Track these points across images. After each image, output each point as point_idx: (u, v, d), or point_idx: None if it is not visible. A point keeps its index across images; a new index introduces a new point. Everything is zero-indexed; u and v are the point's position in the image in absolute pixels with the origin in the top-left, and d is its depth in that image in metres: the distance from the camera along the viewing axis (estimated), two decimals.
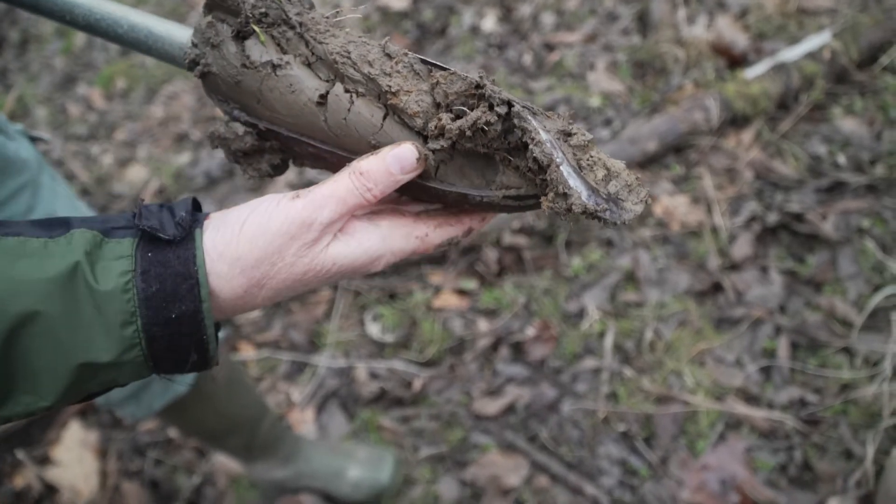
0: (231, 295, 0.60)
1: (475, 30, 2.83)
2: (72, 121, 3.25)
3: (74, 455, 1.96)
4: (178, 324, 0.57)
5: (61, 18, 0.73)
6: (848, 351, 1.74)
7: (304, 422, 1.93)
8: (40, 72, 3.61)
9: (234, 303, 0.61)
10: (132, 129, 3.04)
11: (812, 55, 2.32)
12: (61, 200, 1.19)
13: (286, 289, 0.63)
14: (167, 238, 0.58)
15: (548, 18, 2.79)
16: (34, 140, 1.18)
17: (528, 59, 2.67)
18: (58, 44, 3.68)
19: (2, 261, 0.53)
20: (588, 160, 0.63)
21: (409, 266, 2.15)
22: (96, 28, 0.72)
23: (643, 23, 2.66)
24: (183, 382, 1.41)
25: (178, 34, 0.70)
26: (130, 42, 0.72)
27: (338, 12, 0.71)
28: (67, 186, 1.26)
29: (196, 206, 0.64)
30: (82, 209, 1.26)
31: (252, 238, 0.60)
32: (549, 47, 2.71)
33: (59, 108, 3.34)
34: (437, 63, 0.67)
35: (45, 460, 1.96)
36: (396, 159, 0.62)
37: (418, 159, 0.63)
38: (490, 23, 2.84)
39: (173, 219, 0.60)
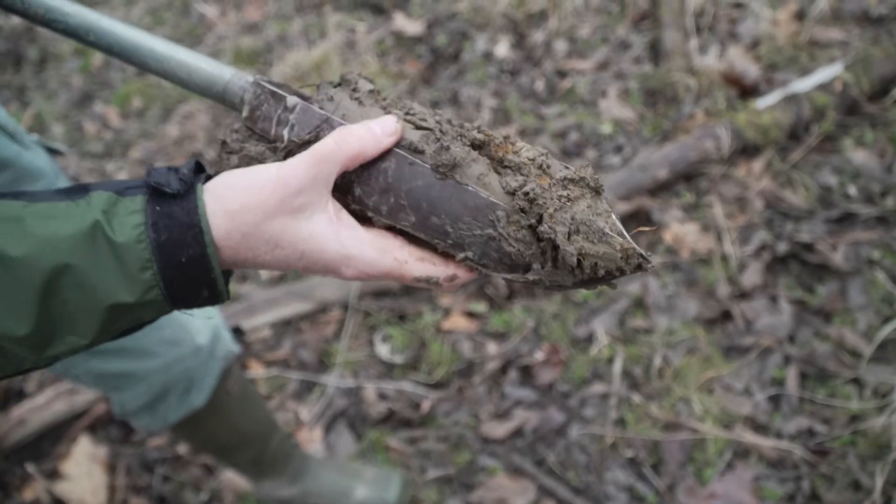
0: (224, 238, 0.66)
1: (488, 55, 2.87)
2: (87, 138, 3.29)
3: (83, 469, 1.97)
4: (188, 266, 0.64)
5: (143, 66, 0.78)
6: (857, 382, 1.74)
7: (312, 441, 1.93)
8: (58, 90, 3.66)
9: (229, 245, 0.66)
10: (147, 147, 3.08)
11: (823, 86, 2.34)
12: None
13: (268, 248, 0.67)
14: (172, 192, 0.64)
15: (560, 45, 2.83)
16: (51, 151, 1.22)
17: (540, 85, 2.70)
18: (76, 62, 3.74)
19: (34, 223, 0.61)
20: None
21: (418, 289, 2.17)
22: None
23: (655, 51, 2.70)
24: (199, 397, 1.43)
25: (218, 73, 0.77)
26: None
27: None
28: None
29: (199, 167, 0.70)
30: None
31: (243, 187, 0.66)
32: (562, 74, 2.74)
33: (75, 126, 3.38)
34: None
35: (54, 474, 1.97)
36: (379, 123, 0.69)
37: (398, 121, 0.70)
38: (503, 49, 2.88)
39: (178, 176, 0.66)
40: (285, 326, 2.20)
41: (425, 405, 1.92)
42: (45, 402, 2.00)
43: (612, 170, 2.30)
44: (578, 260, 0.64)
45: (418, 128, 0.71)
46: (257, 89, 0.75)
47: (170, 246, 0.63)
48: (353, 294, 2.15)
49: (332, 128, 0.70)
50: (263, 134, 0.74)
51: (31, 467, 1.96)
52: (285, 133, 0.72)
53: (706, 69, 2.50)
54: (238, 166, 0.75)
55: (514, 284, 1.90)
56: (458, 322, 2.07)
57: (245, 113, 0.75)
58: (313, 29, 3.33)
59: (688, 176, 2.26)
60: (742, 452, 1.70)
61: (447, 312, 2.10)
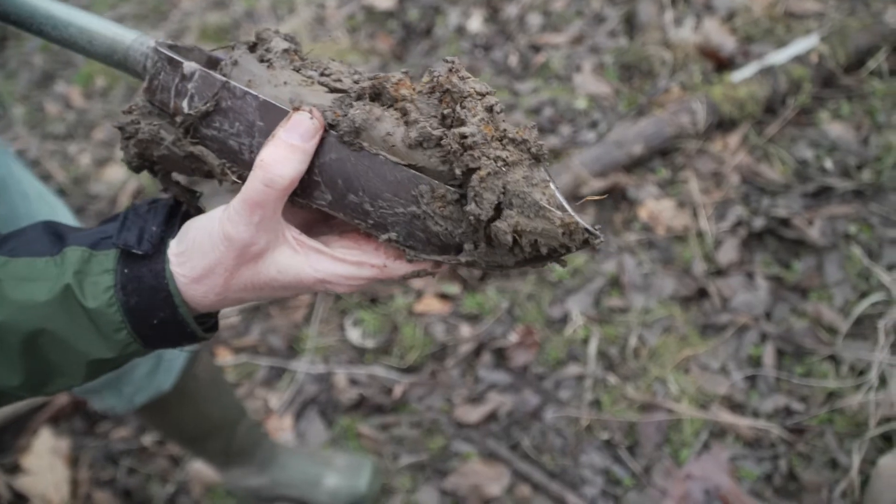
0: (199, 299, 0.64)
1: (461, 30, 2.80)
2: (49, 119, 3.19)
3: (45, 463, 1.91)
4: (161, 326, 0.64)
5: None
6: (834, 359, 1.71)
7: (282, 429, 1.88)
8: (18, 69, 3.55)
9: (205, 305, 0.65)
10: (111, 128, 2.99)
11: (799, 59, 2.30)
12: (14, 169, 1.17)
13: (247, 293, 0.65)
14: (141, 253, 0.63)
15: (534, 19, 2.76)
16: None
17: (514, 60, 2.64)
18: (37, 41, 3.62)
19: (10, 287, 0.62)
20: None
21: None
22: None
23: (630, 25, 2.64)
24: (166, 380, 1.38)
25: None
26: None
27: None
28: (20, 161, 1.23)
29: (173, 212, 0.67)
30: (35, 181, 1.24)
31: (200, 250, 0.63)
32: (536, 48, 2.68)
33: (36, 107, 3.28)
34: None
35: (14, 468, 1.91)
36: (292, 130, 0.59)
37: (312, 118, 0.59)
38: (476, 23, 2.81)
39: (147, 234, 0.64)
40: (254, 312, 2.14)
41: (397, 390, 1.88)
42: None
43: (587, 146, 2.25)
44: (514, 238, 0.57)
45: (332, 90, 0.63)
46: (155, 56, 0.66)
47: (140, 309, 0.63)
48: None
49: (233, 94, 0.62)
50: (163, 107, 0.66)
51: None
52: (184, 104, 0.63)
53: (682, 42, 2.45)
54: (138, 153, 0.68)
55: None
56: (430, 304, 2.02)
57: (144, 83, 0.67)
58: (282, 4, 3.24)
59: (663, 151, 2.22)
60: (719, 432, 1.67)
61: (419, 295, 2.05)
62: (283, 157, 0.58)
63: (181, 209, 0.69)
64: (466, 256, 0.60)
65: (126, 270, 0.63)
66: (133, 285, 0.62)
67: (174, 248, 0.64)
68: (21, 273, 0.62)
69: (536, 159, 0.59)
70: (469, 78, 0.59)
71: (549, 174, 0.59)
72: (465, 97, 0.58)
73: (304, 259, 0.63)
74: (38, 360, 0.63)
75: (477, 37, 2.77)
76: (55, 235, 0.65)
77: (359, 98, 0.61)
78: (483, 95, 0.59)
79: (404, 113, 0.60)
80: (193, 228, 0.63)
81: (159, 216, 0.65)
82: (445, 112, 0.59)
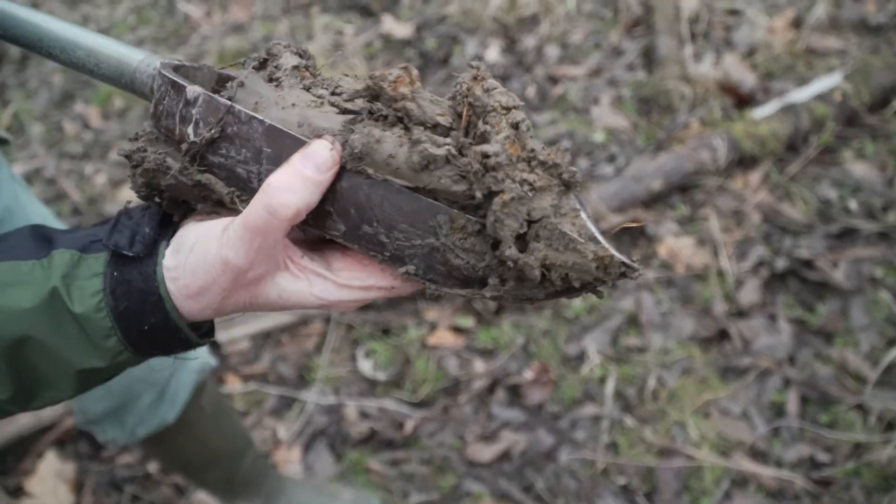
0: (195, 315, 0.61)
1: (478, 60, 2.79)
2: (67, 139, 3.20)
3: (49, 487, 1.88)
4: (152, 332, 0.60)
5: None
6: (861, 408, 1.66)
7: (289, 461, 1.84)
8: (38, 88, 3.56)
9: (197, 315, 0.61)
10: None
11: (822, 97, 2.28)
12: (21, 198, 1.16)
13: (245, 309, 0.62)
14: (132, 255, 0.60)
15: (552, 51, 2.75)
16: None
17: (531, 91, 2.63)
18: None
19: None
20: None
21: (403, 300, 2.08)
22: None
23: (649, 58, 2.63)
24: (171, 411, 1.35)
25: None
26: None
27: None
28: (29, 190, 1.21)
29: (168, 215, 0.64)
30: (43, 209, 1.22)
31: (194, 269, 0.59)
32: (553, 80, 2.66)
33: (54, 126, 3.29)
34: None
35: (18, 491, 1.88)
36: (308, 159, 0.55)
37: (332, 149, 0.55)
38: (493, 53, 2.80)
39: (140, 235, 0.61)
40: (265, 339, 2.11)
41: (409, 425, 1.84)
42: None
43: (605, 180, 2.22)
44: (543, 272, 0.53)
45: (343, 111, 0.58)
46: (160, 79, 0.62)
47: (130, 314, 0.59)
48: None
49: (238, 119, 0.58)
50: (168, 134, 0.62)
51: None
52: (189, 131, 0.60)
53: (701, 77, 2.43)
54: (146, 182, 0.64)
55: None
56: (444, 337, 1.98)
57: (150, 108, 0.63)
58: (300, 31, 3.24)
59: (683, 187, 2.19)
60: (740, 481, 1.62)
61: (433, 327, 2.01)
62: (291, 185, 0.54)
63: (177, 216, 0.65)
64: (492, 291, 0.56)
65: (115, 273, 0.59)
66: (122, 289, 0.59)
67: (168, 259, 0.60)
68: (5, 277, 0.59)
69: (567, 186, 0.53)
70: (495, 89, 0.54)
71: (580, 203, 0.54)
72: (489, 112, 0.53)
73: (305, 285, 0.59)
74: (24, 370, 0.60)
75: (494, 67, 2.76)
76: (43, 239, 0.62)
77: (370, 113, 0.56)
78: (509, 110, 0.53)
79: (406, 126, 0.55)
80: (188, 243, 0.59)
81: (153, 219, 0.62)
82: (463, 119, 0.55)
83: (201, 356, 1.42)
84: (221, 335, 2.06)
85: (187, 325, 0.61)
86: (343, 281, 0.59)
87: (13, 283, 0.59)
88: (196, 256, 0.59)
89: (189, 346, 0.63)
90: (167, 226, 0.63)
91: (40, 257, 0.60)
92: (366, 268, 0.60)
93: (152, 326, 0.60)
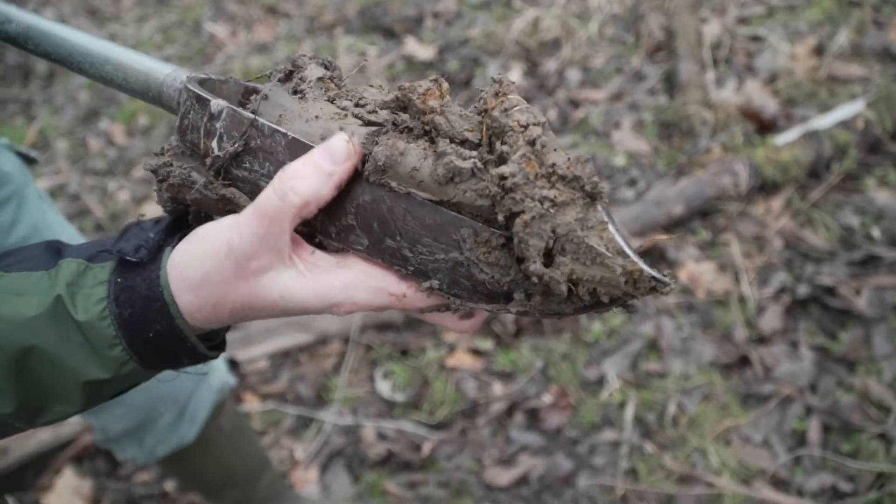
0: (195, 312, 0.59)
1: (501, 74, 2.81)
2: (91, 155, 3.24)
3: (66, 503, 1.88)
4: (158, 340, 0.59)
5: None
6: (884, 437, 1.64)
7: (306, 481, 1.84)
8: (64, 105, 3.62)
9: (201, 318, 0.60)
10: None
11: (844, 124, 2.27)
12: (48, 216, 1.17)
13: (245, 312, 0.60)
14: (136, 260, 0.59)
15: (574, 75, 2.77)
16: (25, 158, 1.17)
17: (552, 114, 2.64)
18: (83, 77, 3.71)
19: (1, 301, 0.58)
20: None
21: (422, 321, 2.08)
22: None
23: (670, 83, 2.63)
24: (190, 431, 1.36)
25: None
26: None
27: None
28: (54, 207, 1.23)
29: (177, 225, 0.63)
30: (68, 227, 1.24)
31: (198, 256, 0.58)
32: (575, 104, 2.67)
33: (79, 142, 3.33)
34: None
35: None
36: (326, 151, 0.56)
37: (348, 142, 0.55)
38: (515, 76, 2.82)
39: (144, 241, 0.60)
40: (283, 358, 2.12)
41: (426, 447, 1.83)
42: (29, 431, 1.92)
43: (626, 204, 2.22)
44: (570, 287, 0.51)
45: (367, 123, 0.58)
46: (185, 93, 0.62)
47: (134, 321, 0.58)
48: (354, 327, 2.06)
49: (262, 132, 0.58)
50: (194, 148, 0.62)
51: (11, 499, 1.88)
52: (214, 145, 0.60)
53: (723, 103, 2.43)
54: (171, 196, 0.64)
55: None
56: (462, 359, 1.98)
57: (176, 122, 0.64)
58: (324, 51, 3.28)
59: (704, 212, 2.18)
60: None
61: (452, 349, 2.01)
62: (304, 173, 0.55)
63: (187, 223, 0.65)
64: (518, 306, 0.55)
65: (119, 280, 0.59)
66: (126, 296, 0.58)
67: (176, 253, 0.59)
68: (13, 287, 0.59)
69: (591, 198, 0.51)
70: (514, 107, 0.53)
71: (607, 214, 0.52)
72: (506, 132, 0.52)
73: (311, 282, 0.58)
74: (30, 382, 0.59)
75: (516, 90, 2.77)
76: (55, 251, 0.62)
77: (394, 125, 0.56)
78: (525, 127, 0.52)
79: (433, 138, 0.55)
80: (199, 235, 0.60)
81: (160, 227, 0.62)
82: (483, 136, 0.55)
83: (221, 375, 1.43)
84: (240, 354, 2.07)
85: (194, 335, 0.60)
86: (353, 276, 0.58)
87: (21, 293, 0.59)
88: (202, 244, 0.58)
89: (197, 357, 0.62)
90: (176, 233, 0.63)
91: (49, 268, 0.60)
92: (383, 269, 0.59)
93: (157, 333, 0.59)
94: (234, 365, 2.05)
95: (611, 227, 0.51)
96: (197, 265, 0.58)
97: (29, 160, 1.18)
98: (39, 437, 1.93)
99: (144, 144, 3.20)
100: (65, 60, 0.70)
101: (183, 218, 0.65)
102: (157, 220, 0.63)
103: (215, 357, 0.64)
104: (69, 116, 3.53)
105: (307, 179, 0.55)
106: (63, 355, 0.58)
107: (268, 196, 0.55)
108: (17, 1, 0.79)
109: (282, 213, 0.55)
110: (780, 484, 1.64)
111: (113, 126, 3.38)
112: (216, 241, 0.58)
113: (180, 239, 0.61)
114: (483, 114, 0.55)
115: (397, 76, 3.00)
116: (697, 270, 2.04)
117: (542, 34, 2.88)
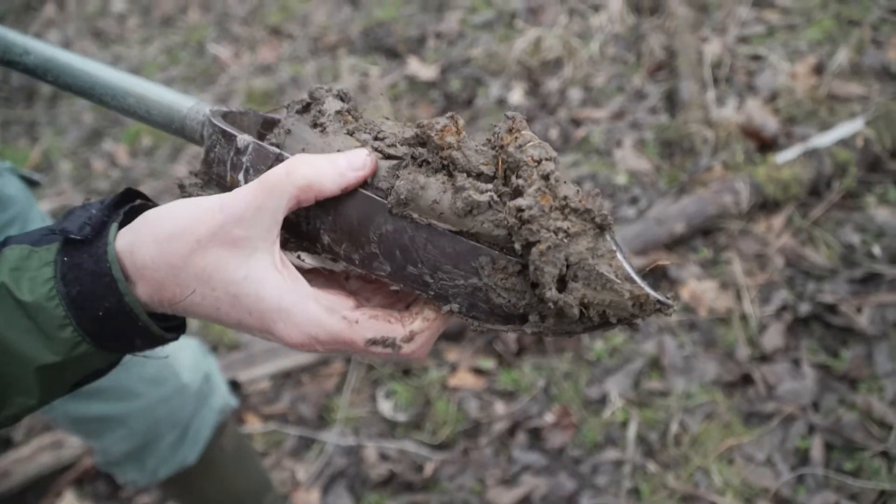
0: (146, 263, 0.58)
1: (502, 102, 2.83)
2: (95, 175, 3.26)
3: None
4: (108, 318, 0.58)
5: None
6: (887, 456, 1.63)
7: (308, 503, 1.84)
8: (68, 126, 3.65)
9: (155, 281, 0.58)
10: (154, 186, 3.04)
11: (844, 142, 2.28)
12: None
13: (196, 283, 0.58)
14: (81, 238, 0.58)
15: (575, 94, 2.78)
16: (28, 181, 1.18)
17: (554, 133, 2.65)
18: None
19: None
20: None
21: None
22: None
23: (671, 102, 2.65)
24: (192, 452, 1.36)
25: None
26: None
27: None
28: None
29: (127, 197, 0.63)
30: None
31: (179, 211, 0.58)
32: (576, 122, 2.69)
33: (83, 163, 3.36)
34: None
35: None
36: (346, 155, 0.60)
37: (368, 156, 0.60)
38: (517, 95, 2.84)
39: (87, 218, 0.60)
40: (285, 378, 2.12)
41: (429, 468, 1.83)
42: (30, 454, 1.92)
43: (628, 222, 2.23)
44: (581, 310, 0.56)
45: (386, 157, 0.61)
46: (210, 128, 0.65)
47: (83, 299, 0.57)
48: None
49: None
50: (220, 180, 0.65)
51: None
52: (241, 178, 0.62)
53: (724, 121, 2.44)
54: None
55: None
56: (464, 379, 1.98)
57: (202, 155, 0.66)
58: (327, 72, 3.31)
59: (705, 231, 2.19)
60: None
61: (454, 368, 2.01)
62: (318, 162, 0.58)
63: (134, 202, 0.64)
64: (532, 328, 0.59)
65: (66, 259, 0.58)
66: (73, 273, 0.57)
67: (151, 212, 0.59)
68: None
69: (601, 229, 0.57)
70: (528, 143, 0.58)
71: (615, 243, 0.57)
72: (521, 167, 0.57)
73: (277, 278, 0.58)
74: None
75: (518, 109, 2.79)
76: (2, 245, 0.61)
77: (412, 158, 0.60)
78: (539, 162, 0.57)
79: (451, 172, 0.58)
80: (182, 201, 0.60)
81: (105, 204, 0.61)
82: (498, 170, 0.58)
83: (222, 396, 1.43)
84: (242, 375, 2.07)
85: (144, 312, 0.59)
86: (313, 290, 0.59)
87: None
88: (186, 204, 0.59)
89: (151, 339, 0.61)
90: (120, 209, 0.62)
91: None
92: (339, 299, 0.60)
93: (107, 311, 0.58)
94: (235, 386, 2.05)
95: (619, 256, 0.56)
96: (173, 217, 0.58)
97: (32, 183, 1.19)
98: (40, 461, 1.93)
99: (148, 165, 3.22)
100: (86, 93, 0.72)
101: (128, 196, 0.64)
102: (101, 200, 0.63)
103: (172, 339, 0.63)
104: (73, 137, 3.56)
105: (318, 167, 0.58)
106: (11, 340, 0.57)
107: (275, 170, 0.58)
108: (20, 24, 0.80)
109: (283, 187, 0.57)
110: (783, 503, 1.63)
111: (116, 147, 3.40)
112: (207, 201, 0.58)
113: (125, 215, 0.61)
114: (498, 149, 0.59)
115: (400, 96, 3.02)
116: (699, 288, 2.04)
117: (544, 54, 2.90)
